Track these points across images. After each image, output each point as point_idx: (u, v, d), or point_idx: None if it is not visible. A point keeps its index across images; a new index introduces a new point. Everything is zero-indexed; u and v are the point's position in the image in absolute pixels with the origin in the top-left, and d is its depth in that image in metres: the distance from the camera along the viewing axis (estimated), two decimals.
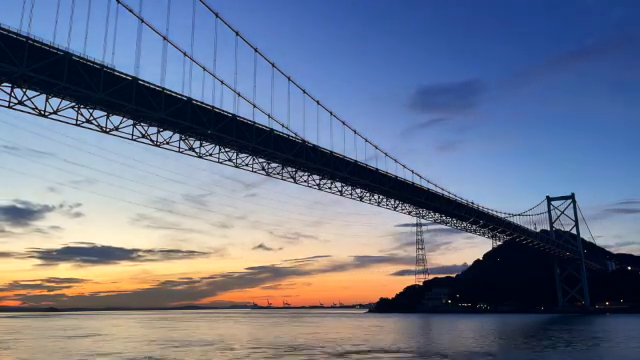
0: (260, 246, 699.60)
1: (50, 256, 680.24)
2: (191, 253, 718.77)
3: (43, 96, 57.25)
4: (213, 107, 70.20)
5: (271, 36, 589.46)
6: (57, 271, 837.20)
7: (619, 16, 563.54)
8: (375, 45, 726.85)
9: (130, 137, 65.75)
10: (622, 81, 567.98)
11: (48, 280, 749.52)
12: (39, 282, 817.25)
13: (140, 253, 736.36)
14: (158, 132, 68.44)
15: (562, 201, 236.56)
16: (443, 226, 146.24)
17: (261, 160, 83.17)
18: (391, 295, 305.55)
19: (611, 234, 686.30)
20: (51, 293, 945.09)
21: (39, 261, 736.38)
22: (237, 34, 77.41)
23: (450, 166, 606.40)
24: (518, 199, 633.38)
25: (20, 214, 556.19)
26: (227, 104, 73.46)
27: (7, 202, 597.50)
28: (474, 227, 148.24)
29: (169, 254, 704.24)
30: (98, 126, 62.37)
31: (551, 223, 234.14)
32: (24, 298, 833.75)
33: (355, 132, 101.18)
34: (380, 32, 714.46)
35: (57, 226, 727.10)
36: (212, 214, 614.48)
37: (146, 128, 66.92)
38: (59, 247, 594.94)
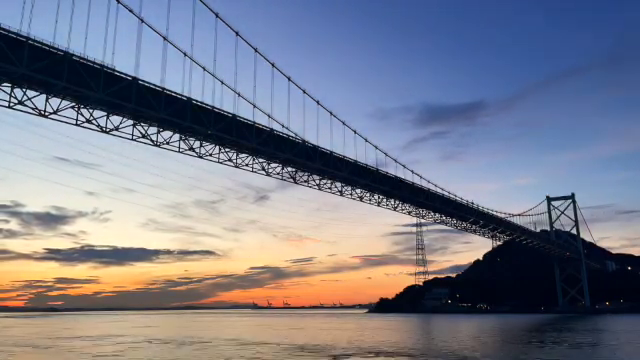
0: (263, 248, 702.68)
1: (71, 257, 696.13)
2: (206, 256, 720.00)
3: (43, 96, 57.14)
4: (213, 107, 70.12)
5: (271, 36, 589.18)
6: (71, 272, 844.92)
7: (610, 39, 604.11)
8: (377, 57, 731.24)
9: (130, 137, 65.78)
10: (613, 95, 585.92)
11: (59, 281, 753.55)
12: (50, 283, 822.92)
13: (160, 255, 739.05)
14: (158, 132, 68.37)
15: (562, 201, 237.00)
16: (443, 226, 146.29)
17: (261, 160, 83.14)
18: (391, 295, 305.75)
19: (617, 236, 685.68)
20: (54, 294, 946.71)
21: (55, 263, 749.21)
22: (237, 34, 77.31)
23: (453, 175, 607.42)
24: (518, 199, 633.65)
25: (53, 219, 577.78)
26: (227, 104, 73.31)
27: (43, 209, 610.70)
28: (474, 227, 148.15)
29: (182, 256, 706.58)
30: (98, 126, 62.32)
31: (551, 223, 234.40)
32: (26, 299, 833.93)
33: (355, 132, 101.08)
34: (383, 46, 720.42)
35: (84, 230, 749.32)
36: (223, 218, 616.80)
37: (146, 128, 66.87)
38: (80, 249, 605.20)
